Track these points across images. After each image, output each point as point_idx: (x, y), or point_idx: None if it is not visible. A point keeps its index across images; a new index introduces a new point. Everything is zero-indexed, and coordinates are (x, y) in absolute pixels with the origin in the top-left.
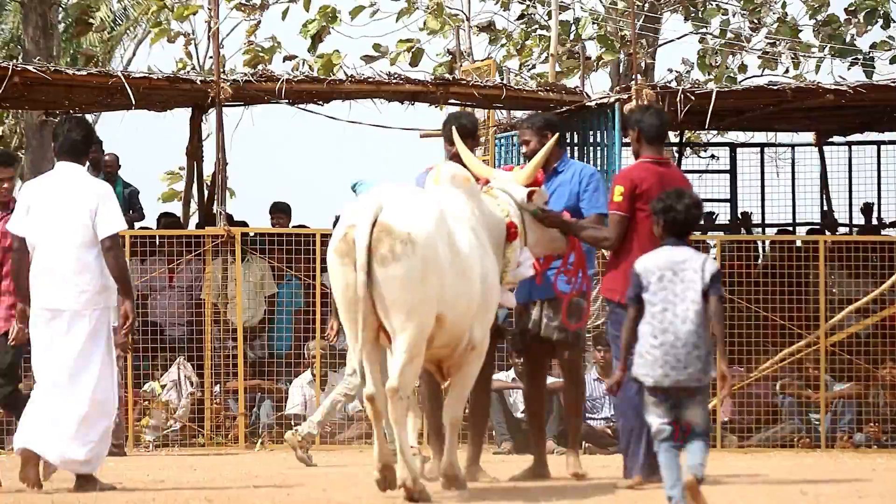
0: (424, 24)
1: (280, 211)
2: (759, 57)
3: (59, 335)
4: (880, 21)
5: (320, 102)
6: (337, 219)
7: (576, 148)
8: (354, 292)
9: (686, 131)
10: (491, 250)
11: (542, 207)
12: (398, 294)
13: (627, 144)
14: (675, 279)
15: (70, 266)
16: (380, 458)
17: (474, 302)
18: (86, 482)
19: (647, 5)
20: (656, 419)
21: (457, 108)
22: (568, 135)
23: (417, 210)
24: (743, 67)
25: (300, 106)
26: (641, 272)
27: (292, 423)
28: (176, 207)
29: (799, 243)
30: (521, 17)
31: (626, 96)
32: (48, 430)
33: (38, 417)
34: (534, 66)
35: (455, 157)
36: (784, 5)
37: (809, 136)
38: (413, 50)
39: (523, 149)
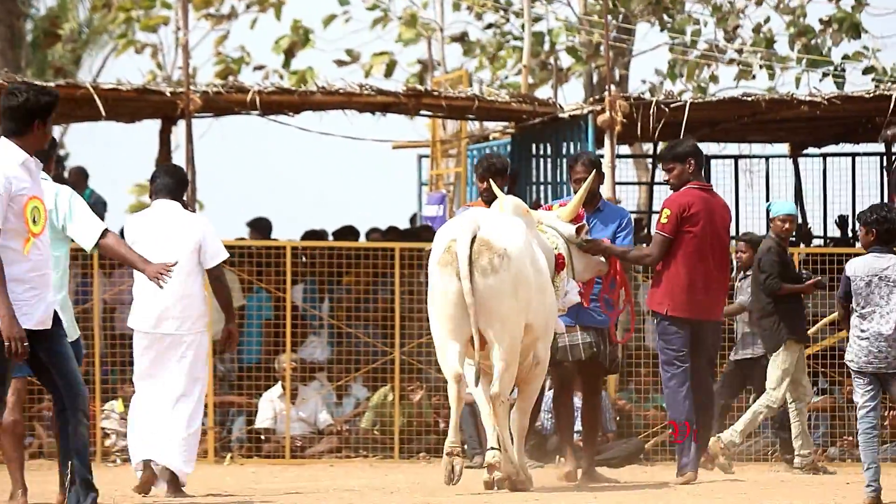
0: (399, 36)
1: (253, 228)
2: (727, 64)
3: (163, 359)
4: (851, 33)
5: (291, 113)
6: (311, 232)
7: (548, 159)
8: (457, 298)
9: (660, 143)
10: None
11: (587, 238)
12: (496, 303)
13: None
14: (881, 283)
15: (176, 293)
16: (450, 445)
17: (550, 317)
18: (178, 491)
19: (620, 16)
20: (860, 396)
21: (428, 119)
22: (541, 146)
23: (511, 229)
24: (714, 77)
25: (270, 117)
26: (851, 276)
27: (262, 437)
28: None
29: None
30: (489, 25)
31: (599, 108)
32: (164, 444)
33: (152, 432)
34: (507, 77)
35: (485, 193)
36: (767, 20)
37: (784, 148)
38: (387, 62)
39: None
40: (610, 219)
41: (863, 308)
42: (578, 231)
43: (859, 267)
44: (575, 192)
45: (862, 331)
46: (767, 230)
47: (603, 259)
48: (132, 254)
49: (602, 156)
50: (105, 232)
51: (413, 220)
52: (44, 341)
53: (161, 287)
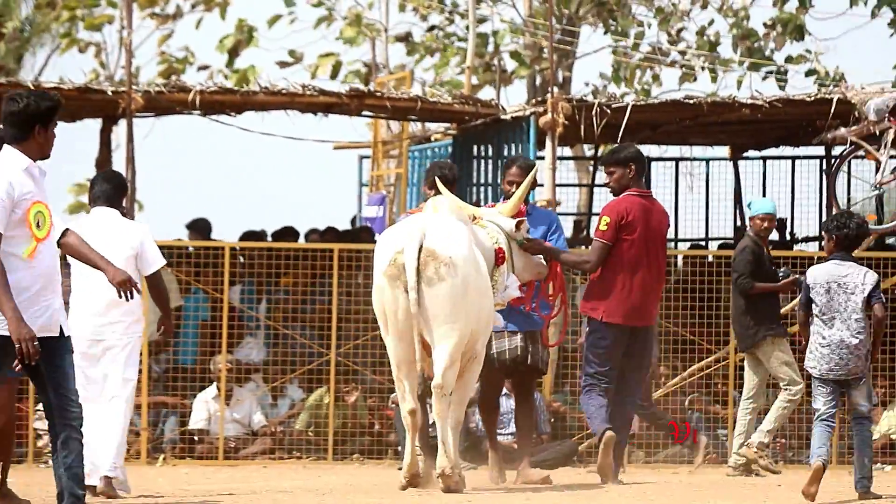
0: (341, 33)
1: (193, 230)
2: (669, 66)
3: (98, 364)
4: (795, 34)
5: (233, 113)
6: (249, 233)
7: (490, 161)
8: (406, 312)
9: (601, 145)
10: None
11: (527, 236)
12: (441, 309)
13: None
14: (840, 290)
15: (113, 300)
16: (409, 468)
17: (489, 317)
18: (112, 490)
19: (564, 18)
20: (822, 404)
21: (371, 120)
22: (482, 147)
23: (455, 236)
24: (656, 77)
25: (212, 117)
26: (811, 283)
27: (195, 439)
28: None
29: (711, 258)
30: (432, 28)
31: (541, 109)
32: (104, 459)
33: (94, 450)
34: (449, 80)
35: None
36: (711, 23)
37: (724, 151)
38: (333, 63)
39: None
40: (539, 222)
41: (823, 315)
42: (518, 225)
43: (819, 274)
44: (506, 195)
45: (823, 338)
46: (746, 228)
47: (543, 262)
48: (94, 254)
49: (543, 157)
50: (66, 231)
51: (353, 220)
52: (46, 350)
53: (121, 298)
